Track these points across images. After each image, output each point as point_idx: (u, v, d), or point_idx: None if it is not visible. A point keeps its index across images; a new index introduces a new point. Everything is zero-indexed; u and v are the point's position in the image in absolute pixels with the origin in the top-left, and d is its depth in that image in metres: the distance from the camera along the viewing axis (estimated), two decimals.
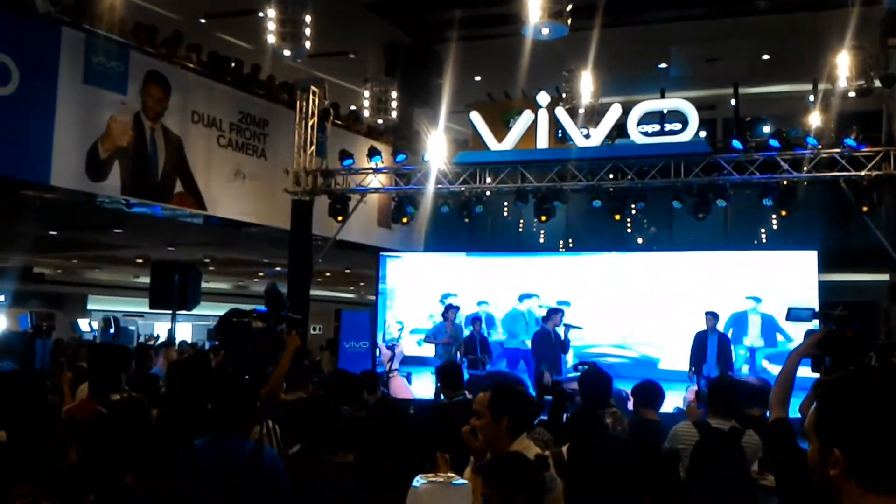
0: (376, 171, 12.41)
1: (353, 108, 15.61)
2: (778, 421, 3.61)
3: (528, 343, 11.79)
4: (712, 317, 10.90)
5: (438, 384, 6.44)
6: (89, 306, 23.37)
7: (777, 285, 11.36)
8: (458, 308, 12.15)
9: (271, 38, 10.60)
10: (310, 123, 12.38)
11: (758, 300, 11.41)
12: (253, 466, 3.55)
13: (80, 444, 4.03)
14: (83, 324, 18.63)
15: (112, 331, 13.25)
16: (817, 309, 8.18)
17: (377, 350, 12.65)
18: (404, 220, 12.79)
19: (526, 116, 11.18)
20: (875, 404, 1.69)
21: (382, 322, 13.02)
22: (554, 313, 11.21)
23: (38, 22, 9.51)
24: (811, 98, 13.41)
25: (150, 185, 10.97)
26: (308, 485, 3.91)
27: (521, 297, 12.30)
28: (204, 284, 14.64)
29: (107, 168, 10.29)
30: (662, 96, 14.03)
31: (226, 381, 3.99)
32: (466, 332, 11.92)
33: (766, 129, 14.37)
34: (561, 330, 11.01)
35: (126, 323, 18.28)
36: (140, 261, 18.20)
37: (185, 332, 22.48)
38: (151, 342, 14.80)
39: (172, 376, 5.77)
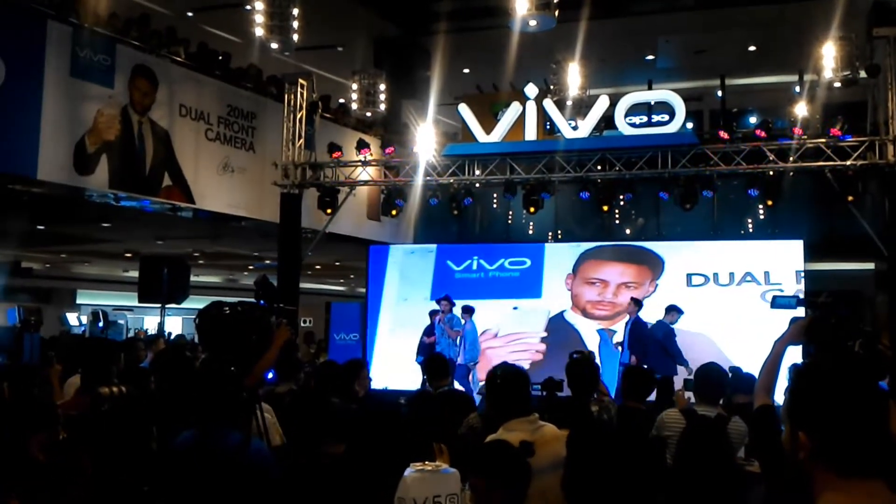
0: (365, 163, 12.41)
1: (341, 100, 15.59)
2: (762, 408, 3.66)
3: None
4: (635, 303, 11.09)
5: (424, 376, 6.44)
6: (78, 300, 23.27)
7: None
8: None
9: (259, 31, 10.57)
10: (298, 116, 12.36)
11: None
12: (239, 459, 3.55)
13: (76, 439, 4.05)
14: (72, 318, 18.54)
15: (101, 325, 13.17)
16: (802, 297, 8.25)
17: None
18: (393, 212, 12.80)
19: (514, 108, 11.20)
20: (838, 390, 1.71)
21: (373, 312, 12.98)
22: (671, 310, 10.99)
23: (24, 15, 9.46)
24: (797, 89, 13.50)
25: (138, 178, 10.94)
26: (298, 476, 3.93)
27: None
28: (193, 278, 14.62)
29: (94, 162, 10.25)
30: (650, 88, 14.10)
31: (211, 372, 3.98)
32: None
33: (753, 119, 14.48)
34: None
35: (115, 317, 18.19)
36: (129, 255, 18.14)
37: (175, 325, 22.45)
38: (142, 336, 14.77)
39: (157, 369, 5.76)
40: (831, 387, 1.72)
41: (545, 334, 11.76)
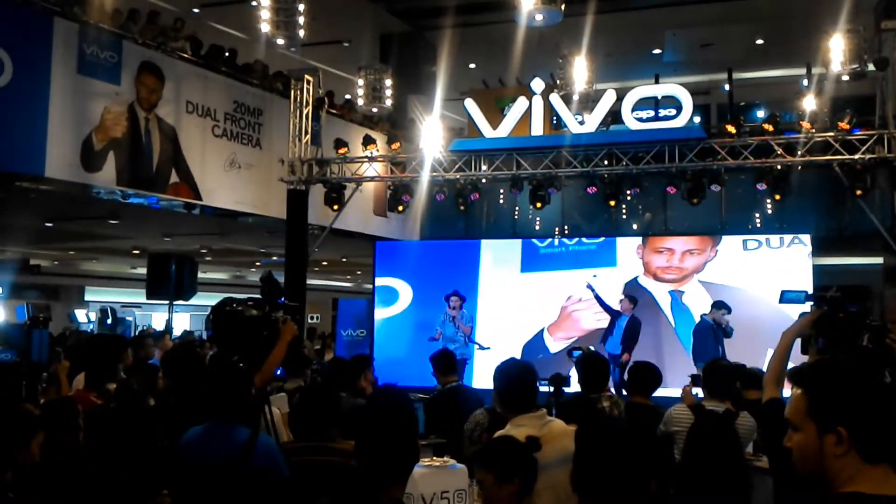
0: (371, 159, 12.40)
1: (347, 96, 15.58)
2: (772, 401, 3.65)
3: None
4: (629, 300, 11.53)
5: (433, 372, 6.43)
6: (87, 297, 23.37)
7: (771, 269, 11.48)
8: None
9: (265, 27, 10.58)
10: (304, 112, 12.36)
11: None
12: (247, 455, 3.56)
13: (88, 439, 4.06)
14: (80, 314, 18.61)
15: (109, 321, 13.19)
16: (810, 292, 8.23)
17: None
18: (400, 208, 12.79)
19: (520, 103, 11.17)
20: (872, 384, 1.84)
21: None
22: (718, 307, 11.13)
23: (31, 13, 9.48)
24: (805, 82, 13.45)
25: (145, 175, 10.96)
26: (308, 472, 3.93)
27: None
28: (201, 274, 14.64)
29: (101, 159, 10.27)
30: (657, 82, 14.05)
31: (220, 369, 3.98)
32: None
33: (760, 113, 14.42)
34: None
35: (123, 313, 18.23)
36: (137, 251, 18.20)
37: (183, 322, 22.53)
38: (150, 333, 14.81)
39: (167, 366, 5.78)
40: (867, 381, 1.84)
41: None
